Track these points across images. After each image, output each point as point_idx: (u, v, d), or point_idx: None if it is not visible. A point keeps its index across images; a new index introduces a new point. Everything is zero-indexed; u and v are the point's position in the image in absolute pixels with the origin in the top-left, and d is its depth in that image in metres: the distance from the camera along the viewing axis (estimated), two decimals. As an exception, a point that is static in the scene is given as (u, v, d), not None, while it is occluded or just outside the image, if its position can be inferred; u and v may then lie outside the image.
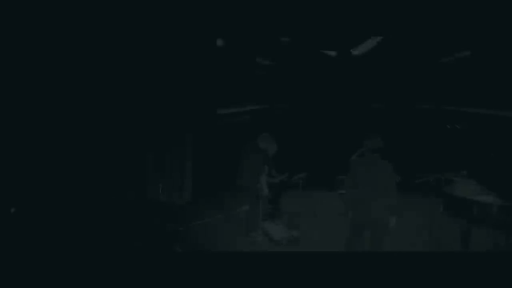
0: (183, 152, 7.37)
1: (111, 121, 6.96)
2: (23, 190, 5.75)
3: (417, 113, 9.99)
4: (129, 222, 6.21)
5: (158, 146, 7.31)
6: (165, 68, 7.20)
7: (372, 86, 9.94)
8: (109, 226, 5.88)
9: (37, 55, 6.07)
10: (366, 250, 4.63)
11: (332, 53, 9.34)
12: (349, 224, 4.34)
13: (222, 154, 8.33)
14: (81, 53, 6.46)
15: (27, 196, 5.74)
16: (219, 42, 8.26)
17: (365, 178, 4.08)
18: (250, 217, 5.76)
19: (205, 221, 6.50)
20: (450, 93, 9.53)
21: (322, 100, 10.45)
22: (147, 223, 6.12)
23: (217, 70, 8.62)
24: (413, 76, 9.62)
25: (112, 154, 6.99)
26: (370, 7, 6.78)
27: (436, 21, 7.25)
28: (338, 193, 6.48)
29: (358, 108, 10.17)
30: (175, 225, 6.04)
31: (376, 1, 6.73)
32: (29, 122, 5.71)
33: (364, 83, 9.89)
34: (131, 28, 6.67)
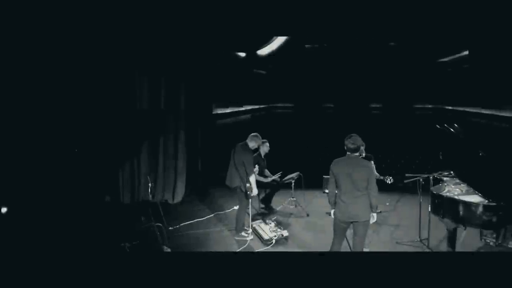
0: (176, 152, 7.42)
1: (106, 120, 7.04)
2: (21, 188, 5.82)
3: (410, 113, 9.97)
4: (119, 222, 6.28)
5: (152, 146, 7.37)
6: (164, 68, 7.26)
7: (370, 87, 9.95)
8: (99, 226, 5.95)
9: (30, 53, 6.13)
10: (349, 247, 4.65)
11: (241, 54, 9.55)
12: (333, 223, 4.35)
13: (215, 153, 8.37)
14: (77, 56, 6.53)
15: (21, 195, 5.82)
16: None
17: (346, 177, 4.09)
18: (240, 216, 5.78)
19: (195, 220, 6.53)
20: (445, 93, 9.49)
21: (321, 100, 10.45)
22: (137, 223, 6.17)
23: (214, 69, 8.68)
24: (409, 76, 9.61)
25: (106, 153, 7.07)
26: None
27: (434, 22, 7.22)
28: (324, 193, 6.50)
29: (355, 109, 10.16)
30: (164, 224, 6.09)
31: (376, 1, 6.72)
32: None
33: (362, 84, 9.90)
34: (129, 27, 6.72)
